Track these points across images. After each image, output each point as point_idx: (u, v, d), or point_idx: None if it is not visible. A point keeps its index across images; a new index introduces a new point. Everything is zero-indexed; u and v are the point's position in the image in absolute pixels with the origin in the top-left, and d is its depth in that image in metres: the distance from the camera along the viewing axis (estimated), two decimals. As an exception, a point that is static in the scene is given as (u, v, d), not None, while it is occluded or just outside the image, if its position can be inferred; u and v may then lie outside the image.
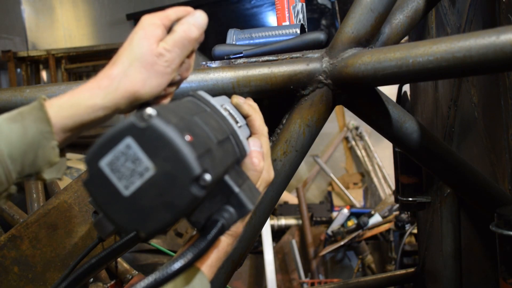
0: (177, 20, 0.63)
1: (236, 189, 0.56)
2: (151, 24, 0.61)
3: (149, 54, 0.59)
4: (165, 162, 0.47)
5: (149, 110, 0.48)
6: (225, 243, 0.65)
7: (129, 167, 0.48)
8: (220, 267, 0.66)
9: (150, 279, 0.48)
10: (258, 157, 0.66)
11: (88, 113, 0.58)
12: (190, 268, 0.50)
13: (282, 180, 1.03)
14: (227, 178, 0.56)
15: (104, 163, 0.48)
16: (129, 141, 0.48)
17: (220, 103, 0.67)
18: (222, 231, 0.53)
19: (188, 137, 0.48)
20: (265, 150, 0.70)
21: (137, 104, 0.63)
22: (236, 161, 0.62)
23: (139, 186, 0.48)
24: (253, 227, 1.02)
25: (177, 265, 0.49)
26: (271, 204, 1.04)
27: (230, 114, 0.68)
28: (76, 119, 0.58)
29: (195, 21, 0.63)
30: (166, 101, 0.67)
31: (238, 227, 0.66)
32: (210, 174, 0.48)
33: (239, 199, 0.55)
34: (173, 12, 0.63)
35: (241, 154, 0.63)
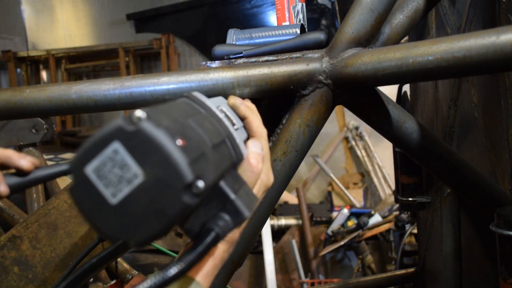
0: None
1: (232, 195, 0.53)
2: None
3: None
4: (155, 168, 0.45)
5: (139, 113, 0.45)
6: (221, 250, 0.62)
7: (117, 174, 0.45)
8: (217, 274, 0.63)
9: None
10: (257, 158, 0.64)
11: None
12: (183, 278, 0.49)
13: (282, 180, 1.03)
14: (222, 183, 0.54)
15: (90, 169, 0.46)
16: (116, 145, 0.45)
17: (216, 104, 0.65)
18: (216, 241, 0.51)
19: (180, 142, 0.46)
20: (265, 153, 0.67)
21: None
22: (232, 166, 0.59)
23: (127, 193, 0.45)
24: (253, 227, 1.02)
25: (168, 274, 0.47)
26: (271, 204, 1.04)
27: (227, 116, 0.65)
28: None
29: None
30: None
31: (234, 233, 0.63)
32: (204, 180, 0.46)
33: (235, 206, 0.53)
34: None
35: (237, 158, 0.61)
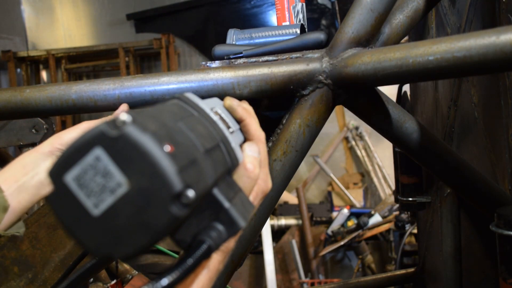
0: None
1: (226, 204, 0.50)
2: None
3: None
4: (140, 176, 0.41)
5: (123, 116, 0.42)
6: (216, 261, 0.58)
7: (99, 182, 0.42)
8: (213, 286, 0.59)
9: None
10: (254, 162, 0.60)
11: None
12: None
13: (282, 180, 1.03)
14: (216, 191, 0.50)
15: (70, 178, 0.42)
16: (98, 152, 0.41)
17: (210, 106, 0.61)
18: (208, 254, 0.48)
19: (168, 147, 0.42)
20: (263, 157, 0.64)
21: None
22: (227, 172, 0.55)
23: (111, 204, 0.42)
24: (253, 227, 1.02)
25: None
26: (271, 204, 1.04)
27: (221, 118, 0.61)
28: None
29: None
30: None
31: (229, 242, 0.58)
32: (194, 190, 0.42)
33: (230, 216, 0.50)
34: None
35: (232, 163, 0.56)
